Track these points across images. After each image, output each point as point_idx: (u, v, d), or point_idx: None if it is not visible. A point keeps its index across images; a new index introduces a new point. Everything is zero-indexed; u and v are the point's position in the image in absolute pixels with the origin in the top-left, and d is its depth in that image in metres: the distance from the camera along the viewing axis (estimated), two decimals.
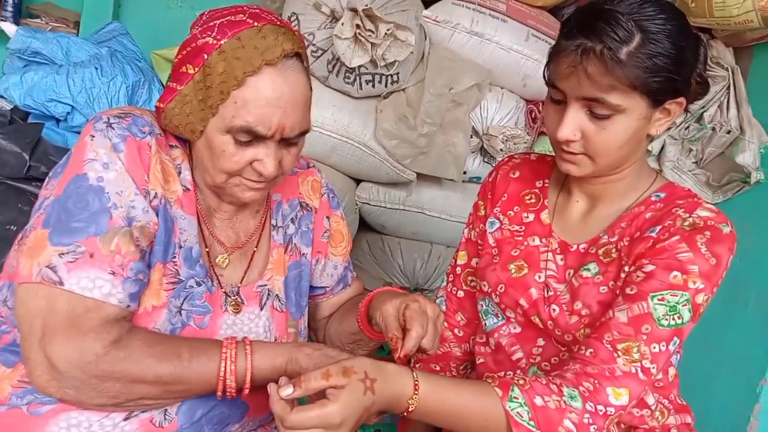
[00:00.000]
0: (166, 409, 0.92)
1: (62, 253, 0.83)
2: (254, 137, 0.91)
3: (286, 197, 1.14)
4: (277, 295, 1.08)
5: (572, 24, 0.95)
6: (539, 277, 1.09)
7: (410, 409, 0.85)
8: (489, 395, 0.88)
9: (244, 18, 0.91)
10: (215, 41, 0.90)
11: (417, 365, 1.28)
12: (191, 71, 0.91)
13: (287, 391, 0.79)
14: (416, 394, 0.84)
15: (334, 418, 0.77)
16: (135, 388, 0.85)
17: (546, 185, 1.17)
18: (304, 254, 1.13)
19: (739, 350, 2.00)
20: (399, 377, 0.84)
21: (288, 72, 0.92)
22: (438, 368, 1.28)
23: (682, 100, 0.98)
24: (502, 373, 1.12)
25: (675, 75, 0.94)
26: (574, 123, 0.97)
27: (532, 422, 0.86)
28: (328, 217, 1.19)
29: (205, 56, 0.90)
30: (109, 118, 0.91)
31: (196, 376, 0.88)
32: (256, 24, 0.90)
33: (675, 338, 0.93)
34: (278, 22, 0.93)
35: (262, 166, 0.93)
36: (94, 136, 0.89)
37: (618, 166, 1.03)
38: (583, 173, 1.02)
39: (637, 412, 1.05)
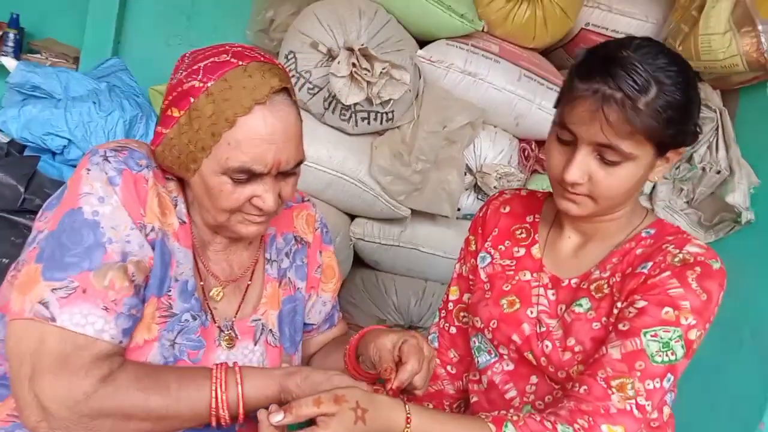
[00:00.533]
0: None
1: (55, 289, 0.82)
2: (251, 175, 0.91)
3: (280, 231, 1.14)
4: (270, 329, 1.06)
5: (588, 67, 0.95)
6: (531, 313, 1.08)
7: None
8: (482, 431, 0.86)
9: (228, 58, 0.90)
10: (201, 84, 0.88)
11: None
12: (176, 114, 0.90)
13: (277, 417, 0.79)
14: (408, 427, 0.83)
15: None
16: (126, 425, 0.83)
17: (537, 220, 1.18)
18: (299, 288, 1.13)
19: (736, 392, 1.98)
20: (391, 409, 0.84)
21: (277, 108, 0.91)
22: (431, 406, 1.26)
23: (683, 149, 1.00)
24: (496, 412, 1.11)
25: (684, 126, 0.96)
26: (583, 166, 0.97)
27: None
28: (320, 252, 1.18)
29: (192, 99, 0.89)
30: (105, 152, 0.91)
31: (186, 408, 0.86)
32: (240, 63, 0.89)
33: (669, 375, 0.93)
34: (262, 58, 0.93)
35: (261, 201, 0.93)
36: (90, 170, 0.89)
37: (615, 208, 1.04)
38: (582, 213, 1.02)
39: None
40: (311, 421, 0.80)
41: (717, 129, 2.12)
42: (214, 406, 0.86)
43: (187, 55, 0.95)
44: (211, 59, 0.90)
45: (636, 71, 0.91)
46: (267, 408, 0.80)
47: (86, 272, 0.83)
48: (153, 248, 0.91)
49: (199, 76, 0.89)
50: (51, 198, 0.96)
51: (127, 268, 0.86)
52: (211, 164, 0.90)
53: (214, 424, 0.87)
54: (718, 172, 2.06)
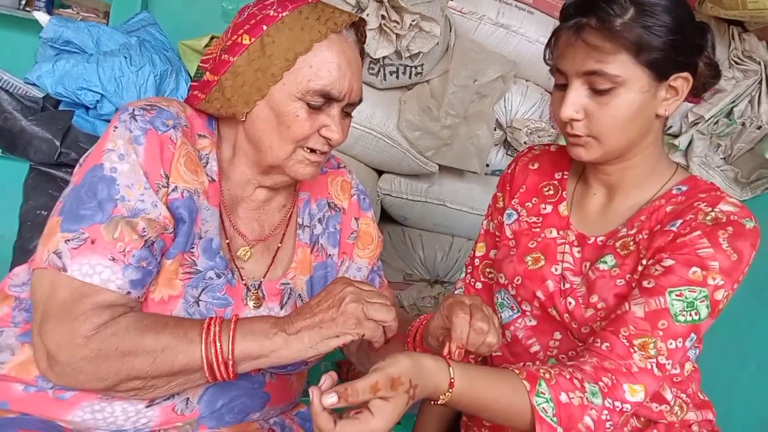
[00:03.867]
0: (188, 398, 0.93)
1: (68, 240, 0.85)
2: (325, 101, 0.95)
3: (314, 196, 1.14)
4: (299, 294, 1.07)
5: (570, 6, 0.99)
6: (556, 270, 1.08)
7: (440, 402, 0.85)
8: (518, 391, 0.87)
9: None
10: (276, 13, 0.93)
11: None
12: (246, 42, 0.93)
13: (331, 399, 0.74)
14: (450, 392, 0.83)
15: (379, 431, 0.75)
16: (122, 364, 0.83)
17: (565, 177, 1.16)
18: (330, 255, 1.12)
19: (765, 348, 1.97)
20: (436, 375, 0.83)
21: (349, 40, 0.97)
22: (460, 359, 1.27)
23: (687, 75, 0.98)
24: (521, 364, 1.12)
25: (674, 46, 0.94)
26: (576, 101, 0.97)
27: (555, 418, 0.86)
28: (356, 219, 1.17)
29: (264, 27, 0.92)
30: (134, 110, 0.92)
31: (181, 346, 0.84)
32: (311, 0, 0.96)
33: (692, 334, 0.92)
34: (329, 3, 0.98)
35: (330, 132, 0.96)
36: (117, 127, 0.91)
37: (627, 148, 1.02)
38: (592, 157, 1.01)
39: (656, 407, 1.05)
40: None
41: (761, 82, 2.03)
42: (204, 353, 0.84)
43: (249, 5, 0.98)
44: None
45: None
46: (318, 384, 0.77)
47: (97, 224, 0.86)
48: (177, 208, 0.92)
49: (274, 7, 0.94)
50: (86, 154, 0.97)
51: (137, 223, 0.87)
52: (287, 89, 0.93)
53: (207, 371, 0.85)
54: (759, 128, 1.99)
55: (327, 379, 0.77)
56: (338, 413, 0.77)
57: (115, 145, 0.90)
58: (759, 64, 2.03)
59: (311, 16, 0.93)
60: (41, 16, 1.94)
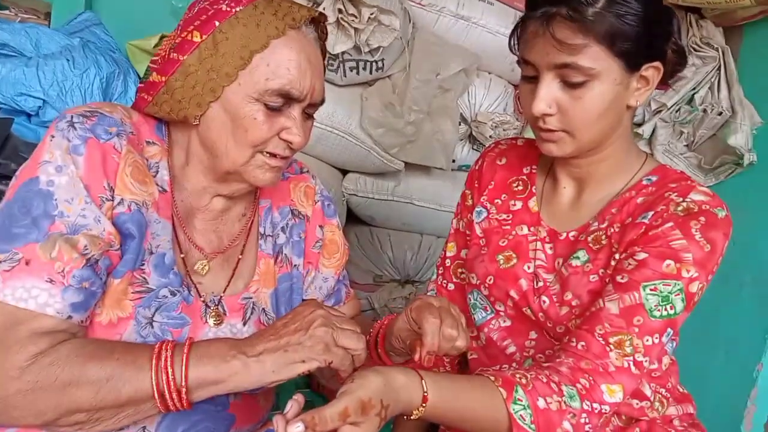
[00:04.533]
0: (144, 427, 0.86)
1: (0, 261, 0.77)
2: (285, 101, 0.89)
3: (276, 204, 1.07)
4: (263, 308, 1.01)
5: None
6: (528, 268, 1.05)
7: (413, 418, 0.81)
8: (495, 399, 0.83)
9: None
10: (229, 8, 0.87)
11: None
12: (197, 39, 0.86)
13: (297, 429, 0.70)
14: (424, 406, 0.80)
15: None
16: (63, 397, 0.76)
17: (534, 171, 1.13)
18: (295, 265, 1.07)
19: (734, 335, 1.98)
20: (409, 391, 0.79)
21: (309, 37, 0.91)
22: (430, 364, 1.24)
23: (658, 64, 0.95)
24: (497, 366, 1.09)
25: (646, 35, 0.91)
26: (548, 95, 0.93)
27: (533, 425, 0.83)
28: (321, 226, 1.12)
29: (217, 23, 0.86)
30: (72, 117, 0.85)
31: (129, 374, 0.77)
32: None
33: (668, 329, 0.90)
34: None
35: (290, 134, 0.90)
36: (54, 137, 0.83)
37: (600, 142, 0.98)
38: (564, 152, 0.98)
39: (637, 404, 1.02)
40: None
41: (719, 68, 2.05)
42: (155, 380, 0.77)
43: (199, 0, 0.92)
44: None
45: None
46: (283, 411, 0.72)
47: (32, 244, 0.78)
48: (124, 222, 0.85)
49: (227, 1, 0.88)
50: (22, 165, 0.89)
51: (78, 240, 0.80)
52: (243, 90, 0.87)
53: (158, 401, 0.78)
54: (720, 114, 2.01)
55: (293, 404, 0.72)
56: None
57: (51, 156, 0.82)
58: (717, 50, 2.04)
59: (267, 11, 0.87)
60: None
